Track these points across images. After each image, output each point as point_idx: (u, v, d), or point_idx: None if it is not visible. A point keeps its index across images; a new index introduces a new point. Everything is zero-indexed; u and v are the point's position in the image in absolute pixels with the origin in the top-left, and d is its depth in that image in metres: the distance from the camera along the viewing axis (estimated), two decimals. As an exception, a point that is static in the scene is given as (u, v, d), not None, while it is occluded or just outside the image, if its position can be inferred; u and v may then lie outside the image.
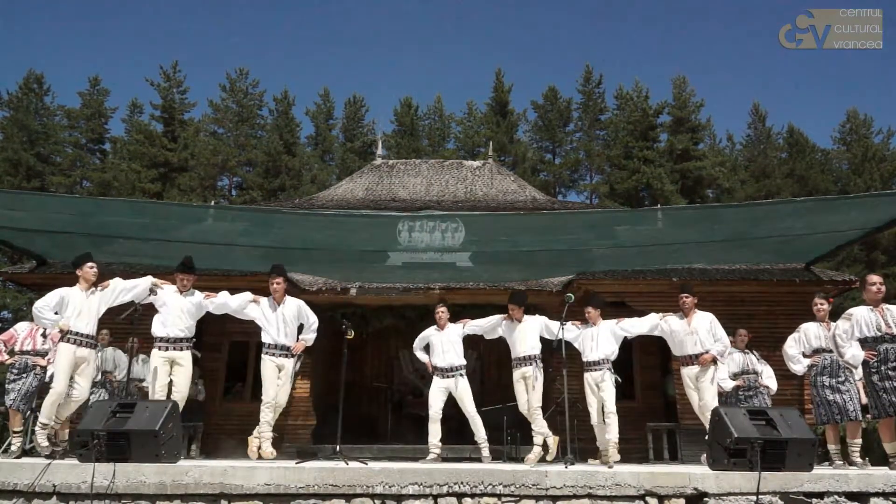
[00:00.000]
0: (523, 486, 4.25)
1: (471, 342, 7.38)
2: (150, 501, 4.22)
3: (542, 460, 6.53)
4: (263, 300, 6.42)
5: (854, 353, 5.60)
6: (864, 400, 6.21)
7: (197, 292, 6.28)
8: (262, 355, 6.35)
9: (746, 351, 7.56)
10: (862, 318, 5.64)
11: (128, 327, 6.37)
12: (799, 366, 6.32)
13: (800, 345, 6.37)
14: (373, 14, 62.95)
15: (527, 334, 6.79)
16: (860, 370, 5.80)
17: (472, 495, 4.25)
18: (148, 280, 6.11)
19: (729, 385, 7.18)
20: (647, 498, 4.24)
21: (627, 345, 7.78)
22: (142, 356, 8.02)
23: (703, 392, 6.25)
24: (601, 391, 6.60)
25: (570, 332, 6.70)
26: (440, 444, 6.74)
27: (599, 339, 6.69)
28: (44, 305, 5.65)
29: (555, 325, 6.73)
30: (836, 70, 56.22)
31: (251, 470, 4.34)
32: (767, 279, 10.28)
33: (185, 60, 55.87)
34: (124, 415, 4.67)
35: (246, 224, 8.41)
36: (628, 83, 40.77)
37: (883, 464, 5.87)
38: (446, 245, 7.99)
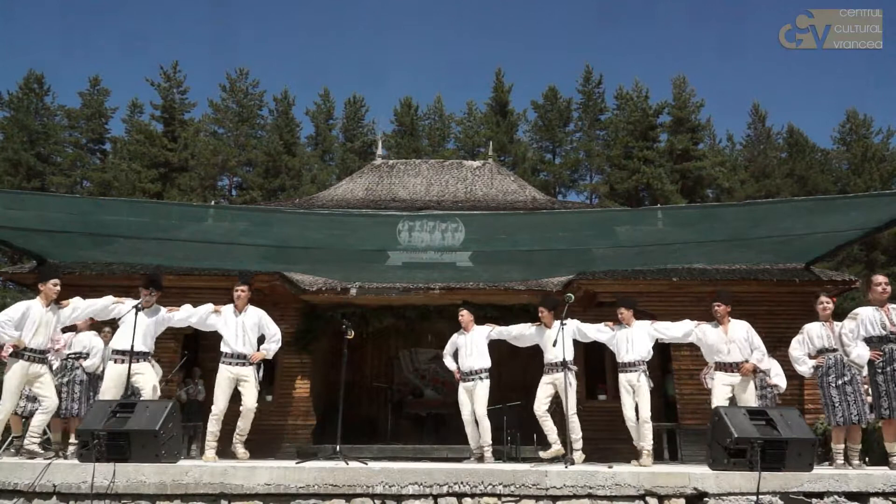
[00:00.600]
0: (523, 486, 4.25)
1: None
2: (150, 501, 4.22)
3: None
4: (225, 308, 6.30)
5: (860, 352, 5.64)
6: (870, 400, 6.20)
7: (161, 308, 6.23)
8: (220, 364, 6.21)
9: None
10: (867, 317, 5.67)
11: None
12: (805, 367, 6.26)
13: (804, 346, 6.31)
14: (373, 14, 63.03)
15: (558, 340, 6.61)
16: (866, 369, 5.80)
17: (472, 495, 4.25)
18: (108, 299, 6.13)
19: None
20: (647, 498, 4.24)
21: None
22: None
23: (748, 400, 6.10)
24: (636, 395, 6.47)
25: (604, 333, 6.68)
26: (487, 443, 6.67)
27: (635, 340, 6.55)
28: (6, 320, 5.60)
29: (588, 327, 6.72)
30: (836, 70, 56.35)
31: (251, 470, 4.35)
32: (767, 279, 10.28)
33: (185, 60, 56.06)
34: (124, 415, 4.68)
35: (246, 224, 8.39)
36: (628, 83, 40.89)
37: (883, 463, 5.88)
38: (446, 245, 7.97)
